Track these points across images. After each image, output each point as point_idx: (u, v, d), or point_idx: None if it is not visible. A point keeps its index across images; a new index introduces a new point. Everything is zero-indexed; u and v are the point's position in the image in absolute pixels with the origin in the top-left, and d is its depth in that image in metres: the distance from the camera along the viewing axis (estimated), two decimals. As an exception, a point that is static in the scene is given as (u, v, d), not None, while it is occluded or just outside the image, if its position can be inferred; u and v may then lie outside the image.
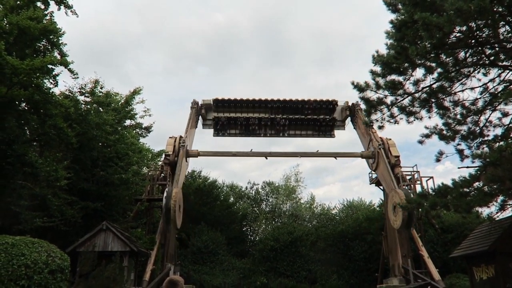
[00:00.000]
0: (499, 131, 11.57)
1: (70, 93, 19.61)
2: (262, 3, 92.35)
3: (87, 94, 20.80)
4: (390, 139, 26.65)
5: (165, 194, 21.38)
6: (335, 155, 27.99)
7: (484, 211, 12.53)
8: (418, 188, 23.49)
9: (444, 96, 11.52)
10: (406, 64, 11.23)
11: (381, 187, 27.47)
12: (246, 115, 29.94)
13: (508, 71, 10.89)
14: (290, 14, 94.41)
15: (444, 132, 11.84)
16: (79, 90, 20.41)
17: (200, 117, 30.15)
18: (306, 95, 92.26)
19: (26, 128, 16.17)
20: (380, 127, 12.83)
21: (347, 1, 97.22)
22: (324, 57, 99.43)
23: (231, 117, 29.92)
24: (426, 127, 12.15)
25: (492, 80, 11.30)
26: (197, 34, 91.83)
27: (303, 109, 30.26)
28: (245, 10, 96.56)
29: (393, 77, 11.71)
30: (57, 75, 16.01)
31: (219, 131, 30.15)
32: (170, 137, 26.89)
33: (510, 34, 10.32)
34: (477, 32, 10.28)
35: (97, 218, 18.55)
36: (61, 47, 16.11)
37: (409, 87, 11.71)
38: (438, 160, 11.87)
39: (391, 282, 23.17)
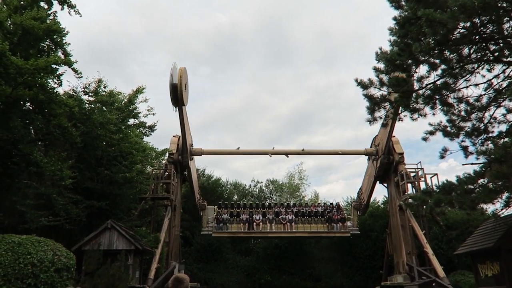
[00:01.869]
0: (503, 127, 11.53)
1: (74, 93, 19.67)
2: (264, 4, 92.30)
3: (90, 94, 20.86)
4: (394, 136, 26.61)
5: (170, 72, 22.74)
6: (339, 152, 27.99)
7: (489, 208, 12.52)
8: (423, 185, 23.42)
9: (448, 93, 11.47)
10: (410, 61, 11.17)
11: (385, 184, 27.44)
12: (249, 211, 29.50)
13: (512, 67, 10.83)
14: (291, 14, 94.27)
15: (448, 128, 11.80)
16: (83, 89, 20.48)
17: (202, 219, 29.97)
18: (308, 95, 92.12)
19: (31, 127, 16.24)
20: (384, 125, 12.79)
21: (349, 0, 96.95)
22: (326, 57, 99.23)
23: (233, 212, 29.39)
24: (430, 124, 12.12)
25: (496, 76, 11.24)
26: (199, 34, 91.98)
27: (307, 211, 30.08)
28: (247, 10, 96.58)
29: (397, 74, 11.67)
30: (61, 74, 16.07)
31: (220, 229, 28.28)
32: (173, 136, 26.99)
33: (514, 30, 10.26)
34: (481, 28, 10.23)
35: (101, 217, 18.64)
36: (64, 46, 16.14)
37: (413, 83, 11.67)
38: (442, 157, 11.82)
39: (396, 279, 23.18)
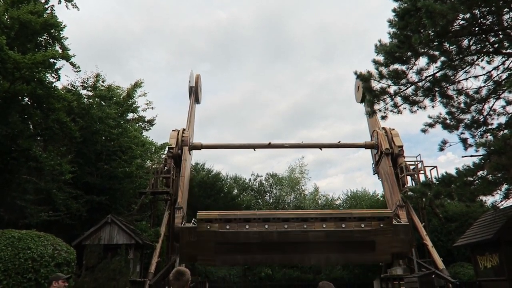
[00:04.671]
0: (503, 119, 11.52)
1: (72, 87, 19.61)
2: (264, 0, 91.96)
3: (89, 88, 20.79)
4: (394, 129, 26.58)
5: (189, 78, 29.87)
6: (339, 145, 27.94)
7: (488, 199, 12.56)
8: (422, 178, 23.43)
9: (447, 85, 11.44)
10: (409, 53, 11.13)
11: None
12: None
13: (512, 58, 10.78)
14: (291, 10, 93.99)
15: (448, 121, 11.78)
16: (81, 84, 20.42)
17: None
18: (307, 90, 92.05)
19: (29, 122, 16.18)
20: (383, 117, 12.76)
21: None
22: (325, 52, 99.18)
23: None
24: (430, 116, 12.10)
25: (496, 68, 11.21)
26: (199, 31, 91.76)
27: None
28: (247, 7, 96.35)
29: (396, 66, 11.63)
30: (59, 69, 15.98)
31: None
32: (173, 130, 26.95)
33: (514, 21, 10.20)
34: (481, 20, 10.18)
35: (102, 212, 18.64)
36: (62, 40, 16.05)
37: (412, 76, 11.64)
38: (441, 149, 11.81)
39: (395, 271, 23.24)
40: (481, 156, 10.86)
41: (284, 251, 21.25)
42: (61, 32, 15.92)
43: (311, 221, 20.75)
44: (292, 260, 21.53)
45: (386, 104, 12.25)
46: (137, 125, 24.02)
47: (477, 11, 9.92)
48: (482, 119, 11.47)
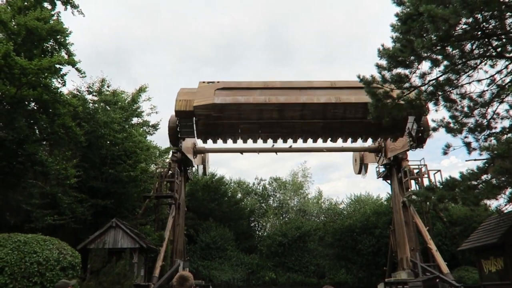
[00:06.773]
0: (506, 123, 11.51)
1: (78, 92, 19.82)
2: (266, 5, 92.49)
3: (94, 93, 20.99)
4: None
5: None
6: (342, 149, 27.92)
7: (493, 203, 12.52)
8: (426, 182, 23.37)
9: (450, 89, 11.46)
10: (412, 57, 11.17)
11: (388, 181, 27.40)
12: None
13: (515, 62, 10.80)
14: (293, 16, 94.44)
15: (451, 125, 11.78)
16: (86, 89, 20.63)
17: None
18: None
19: (35, 127, 16.37)
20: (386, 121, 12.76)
21: (350, 1, 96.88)
22: (327, 56, 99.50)
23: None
24: (433, 120, 12.12)
25: (499, 72, 11.21)
26: (203, 36, 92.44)
27: None
28: (250, 12, 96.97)
29: (399, 70, 11.67)
30: (65, 74, 16.19)
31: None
32: (177, 134, 27.04)
33: (517, 25, 10.23)
34: (484, 24, 10.20)
35: (106, 216, 18.75)
36: (68, 46, 16.26)
37: (416, 80, 11.67)
38: (445, 153, 11.81)
39: (400, 275, 23.17)
40: (485, 160, 10.85)
41: (288, 95, 20.92)
42: (67, 38, 16.14)
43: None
44: (298, 100, 20.52)
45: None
46: (141, 129, 24.17)
47: (479, 15, 9.95)
48: (486, 123, 11.47)
